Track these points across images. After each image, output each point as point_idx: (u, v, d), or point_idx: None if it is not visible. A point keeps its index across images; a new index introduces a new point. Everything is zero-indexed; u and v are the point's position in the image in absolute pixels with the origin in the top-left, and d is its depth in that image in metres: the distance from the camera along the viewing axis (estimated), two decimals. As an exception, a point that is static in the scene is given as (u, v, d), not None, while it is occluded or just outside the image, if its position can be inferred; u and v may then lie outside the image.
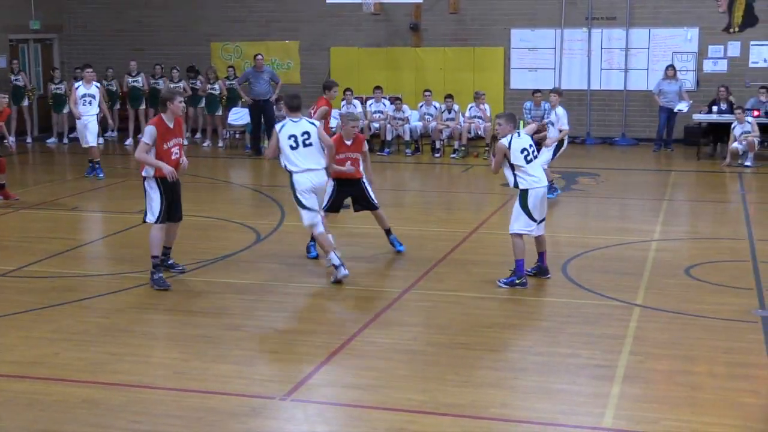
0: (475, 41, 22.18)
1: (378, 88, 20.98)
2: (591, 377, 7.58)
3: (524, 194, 9.94)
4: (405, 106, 20.74)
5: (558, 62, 21.82)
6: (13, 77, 22.18)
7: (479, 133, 20.06)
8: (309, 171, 10.15)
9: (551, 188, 14.74)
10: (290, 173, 10.22)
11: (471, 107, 20.24)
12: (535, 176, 9.91)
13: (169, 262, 10.61)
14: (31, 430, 6.61)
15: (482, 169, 18.55)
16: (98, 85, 17.32)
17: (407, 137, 20.41)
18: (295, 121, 10.25)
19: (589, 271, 10.80)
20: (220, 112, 21.81)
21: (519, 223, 10.00)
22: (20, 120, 22.11)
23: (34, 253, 11.65)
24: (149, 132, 9.80)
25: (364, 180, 11.12)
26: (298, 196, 10.22)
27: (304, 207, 10.24)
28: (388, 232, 11.42)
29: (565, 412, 6.93)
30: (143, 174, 10.01)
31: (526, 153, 9.89)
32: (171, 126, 9.91)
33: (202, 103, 22.02)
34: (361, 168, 11.12)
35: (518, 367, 7.86)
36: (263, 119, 20.38)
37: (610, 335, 8.57)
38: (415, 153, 20.37)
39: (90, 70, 17.21)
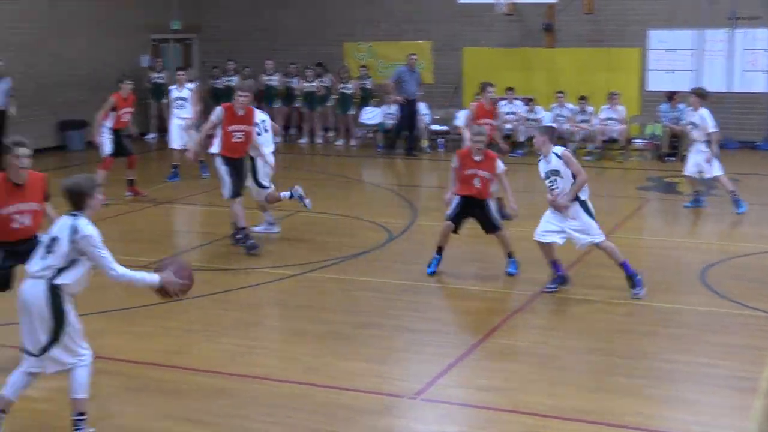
0: (611, 42, 21.78)
1: (510, 89, 20.82)
2: (731, 389, 7.35)
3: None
4: (538, 108, 20.54)
5: (697, 63, 21.23)
6: (156, 75, 22.89)
7: (613, 135, 19.71)
8: None
9: (697, 200, 14.33)
10: None
11: (605, 109, 19.90)
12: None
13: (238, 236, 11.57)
14: (168, 417, 6.80)
15: (617, 171, 18.22)
16: (191, 87, 16.97)
17: (539, 139, 20.17)
18: None
19: (728, 279, 10.47)
20: (352, 111, 22.01)
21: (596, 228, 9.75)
22: (161, 116, 22.77)
23: (171, 247, 12.00)
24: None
25: (489, 201, 10.63)
26: None
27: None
28: (509, 255, 10.73)
29: (701, 423, 6.74)
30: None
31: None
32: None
33: (331, 102, 22.25)
34: (491, 189, 10.67)
35: (653, 375, 7.68)
36: (412, 119, 20.57)
37: (751, 346, 8.29)
38: (548, 155, 20.12)
39: (182, 72, 17.01)
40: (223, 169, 11.61)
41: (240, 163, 11.80)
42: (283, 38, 24.42)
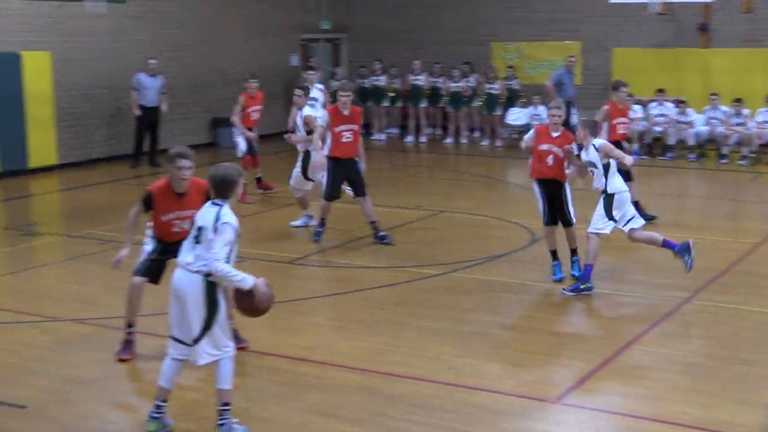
0: (770, 42, 21.02)
1: (661, 90, 20.33)
2: None
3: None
4: (690, 110, 19.98)
5: None
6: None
7: (770, 139, 19.01)
8: None
9: None
10: None
11: (762, 111, 19.20)
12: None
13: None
14: (310, 411, 6.94)
15: (772, 177, 17.59)
16: (320, 87, 16.32)
17: (691, 142, 19.66)
18: None
19: None
20: (499, 112, 21.92)
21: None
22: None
23: (319, 243, 12.20)
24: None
25: (567, 189, 10.38)
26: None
27: None
28: (573, 252, 10.48)
29: None
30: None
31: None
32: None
33: (477, 102, 22.21)
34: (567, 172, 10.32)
35: (808, 390, 7.38)
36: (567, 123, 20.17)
37: None
38: (700, 159, 19.58)
39: (311, 72, 16.21)
40: (329, 171, 11.94)
41: (350, 164, 12.00)
42: (430, 38, 24.52)
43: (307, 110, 12.93)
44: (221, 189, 6.34)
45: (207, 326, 6.30)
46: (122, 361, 7.95)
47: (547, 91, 20.64)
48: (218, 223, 6.21)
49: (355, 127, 11.91)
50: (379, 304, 9.59)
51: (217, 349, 6.38)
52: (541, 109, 21.20)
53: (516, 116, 21.77)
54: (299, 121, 12.93)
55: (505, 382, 7.48)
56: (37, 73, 17.46)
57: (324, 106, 15.29)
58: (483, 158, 20.45)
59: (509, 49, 23.67)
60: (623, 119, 12.86)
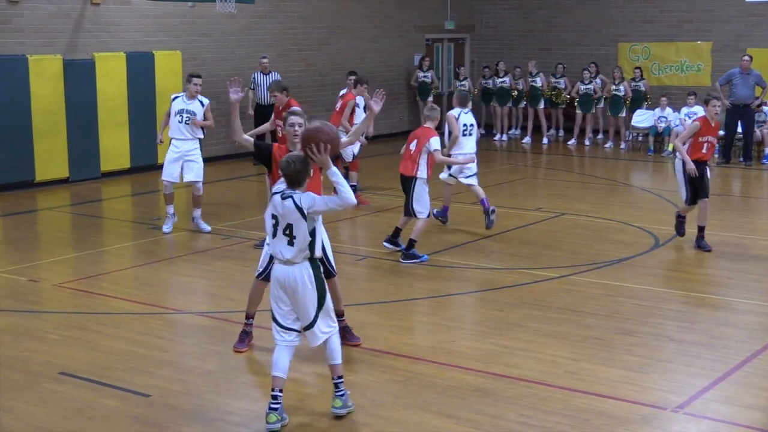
0: None
1: (796, 92, 19.63)
2: None
3: None
4: (828, 113, 19.22)
5: None
6: (422, 74, 23.38)
7: None
8: None
9: None
10: None
11: None
12: None
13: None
14: (425, 410, 6.94)
15: None
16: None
17: (827, 146, 18.91)
18: None
19: None
20: (623, 114, 21.54)
21: None
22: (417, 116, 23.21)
23: (439, 243, 12.21)
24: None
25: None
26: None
27: None
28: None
29: None
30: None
31: None
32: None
33: (602, 104, 21.90)
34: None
35: None
36: (742, 126, 19.04)
37: None
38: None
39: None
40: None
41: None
42: (555, 38, 24.26)
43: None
44: (294, 179, 6.46)
45: (320, 307, 6.55)
46: (238, 352, 8.12)
47: (717, 94, 20.00)
48: (305, 208, 6.37)
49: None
50: (498, 306, 9.53)
51: (329, 327, 6.64)
52: (668, 111, 20.75)
53: (641, 118, 21.35)
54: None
55: (625, 389, 7.33)
56: (169, 71, 17.98)
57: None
58: (605, 160, 20.12)
59: (636, 50, 23.23)
60: (711, 138, 11.71)
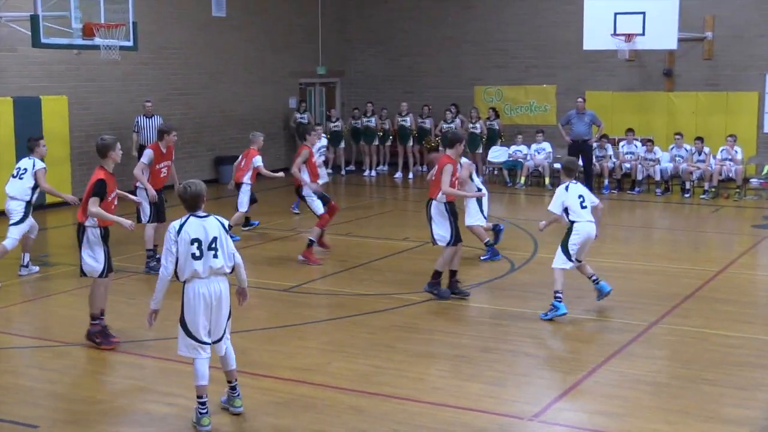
0: (729, 86, 21.17)
1: (630, 130, 20.46)
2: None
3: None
4: (656, 148, 20.09)
5: (815, 107, 20.39)
6: (299, 115, 23.41)
7: (730, 175, 19.09)
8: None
9: None
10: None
11: (722, 150, 19.31)
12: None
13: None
14: (307, 429, 6.90)
15: (732, 210, 17.63)
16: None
17: (657, 177, 19.74)
18: None
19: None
20: (480, 150, 22.00)
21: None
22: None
23: (313, 272, 12.20)
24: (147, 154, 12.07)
25: None
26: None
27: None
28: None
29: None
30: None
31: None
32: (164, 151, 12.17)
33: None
34: None
35: (766, 407, 7.36)
36: (582, 160, 19.25)
37: None
38: (665, 193, 19.66)
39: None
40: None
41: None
42: (418, 82, 24.65)
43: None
44: (197, 202, 6.91)
45: (228, 319, 7.05)
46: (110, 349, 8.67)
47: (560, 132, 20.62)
48: (225, 226, 6.96)
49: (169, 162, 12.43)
50: (370, 329, 9.55)
51: (229, 334, 7.12)
52: (523, 147, 21.31)
53: (496, 154, 21.86)
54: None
55: (486, 402, 7.44)
56: (56, 115, 17.53)
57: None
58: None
59: (490, 92, 23.81)
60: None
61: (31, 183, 11.74)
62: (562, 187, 9.92)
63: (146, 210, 12.14)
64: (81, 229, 8.93)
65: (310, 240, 12.74)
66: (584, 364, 8.35)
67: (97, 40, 15.12)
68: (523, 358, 8.66)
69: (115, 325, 9.63)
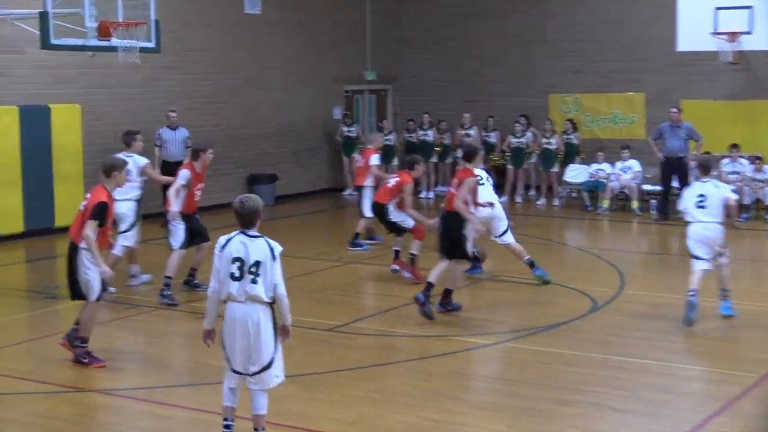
0: None
1: (734, 145, 20.22)
2: None
3: None
4: (766, 167, 19.83)
5: None
6: (346, 128, 23.53)
7: None
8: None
9: None
10: None
11: None
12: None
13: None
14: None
15: None
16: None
17: None
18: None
19: None
20: (556, 169, 21.92)
21: None
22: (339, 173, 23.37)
23: (361, 309, 12.22)
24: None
25: None
26: None
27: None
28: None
29: None
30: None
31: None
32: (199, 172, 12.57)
33: (534, 159, 22.27)
34: None
35: None
36: (676, 180, 19.34)
37: None
38: (777, 219, 19.40)
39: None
40: None
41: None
42: (482, 89, 24.67)
43: None
44: (254, 219, 7.24)
45: (276, 350, 7.23)
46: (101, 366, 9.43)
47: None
48: (274, 252, 7.15)
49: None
50: (426, 376, 9.53)
51: (281, 372, 7.36)
52: (605, 166, 21.16)
53: (574, 173, 21.75)
54: None
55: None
56: (67, 126, 17.86)
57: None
58: (539, 218, 20.39)
59: (567, 101, 23.74)
60: None
61: (138, 181, 13.28)
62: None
63: (179, 235, 12.59)
64: (74, 251, 9.56)
65: (412, 254, 13.73)
66: (682, 422, 8.23)
67: (114, 41, 15.33)
68: (609, 413, 8.57)
69: (130, 367, 9.74)
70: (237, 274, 7.15)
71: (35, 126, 17.40)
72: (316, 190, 23.53)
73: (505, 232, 13.46)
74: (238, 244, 7.20)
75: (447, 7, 25.19)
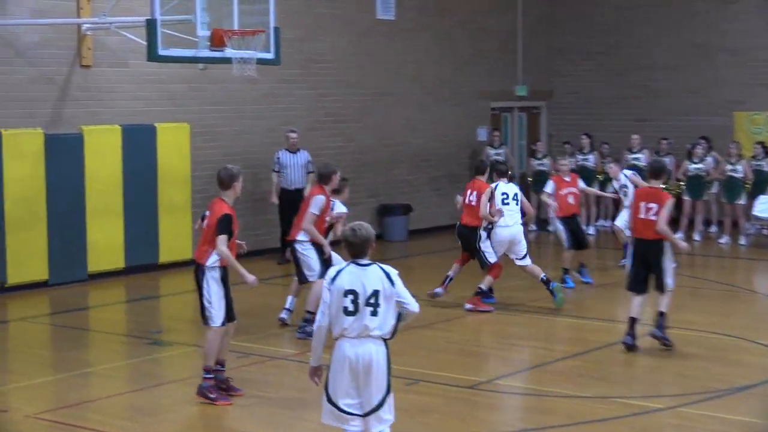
0: None
1: None
2: None
3: None
4: None
5: None
6: (493, 151, 23.46)
7: None
8: None
9: None
10: None
11: None
12: None
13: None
14: None
15: None
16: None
17: None
18: None
19: None
20: (743, 201, 21.40)
21: None
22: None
23: (509, 363, 12.08)
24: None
25: None
26: None
27: None
28: None
29: None
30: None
31: None
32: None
33: (715, 188, 21.81)
34: None
35: None
36: None
37: None
38: None
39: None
40: None
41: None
42: (652, 106, 24.33)
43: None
44: (366, 249, 7.53)
45: (388, 391, 7.51)
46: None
47: None
48: (391, 277, 7.45)
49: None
50: (586, 446, 9.37)
51: (391, 414, 7.59)
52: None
53: (765, 206, 21.18)
54: None
55: None
56: (175, 148, 18.24)
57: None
58: (722, 259, 19.93)
59: (758, 120, 23.22)
60: None
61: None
62: None
63: (314, 266, 13.10)
64: (200, 271, 10.46)
65: (480, 288, 14.84)
66: None
67: (229, 52, 15.50)
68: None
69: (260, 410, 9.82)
70: (351, 308, 7.42)
71: (139, 148, 17.80)
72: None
73: (525, 255, 15.01)
74: (350, 276, 7.46)
75: (612, 9, 24.96)
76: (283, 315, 13.85)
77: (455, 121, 23.78)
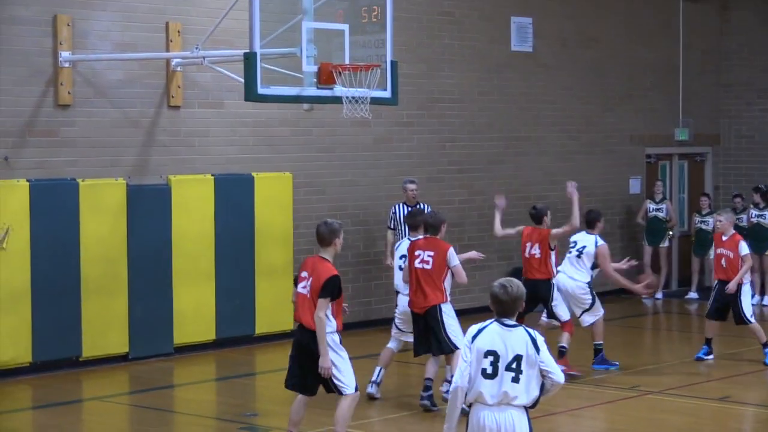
0: None
1: None
2: None
3: None
4: None
5: None
6: (653, 206, 23.26)
7: None
8: None
9: None
10: None
11: None
12: None
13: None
14: None
15: None
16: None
17: None
18: None
19: None
20: None
21: None
22: (655, 265, 23.01)
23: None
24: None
25: None
26: None
27: None
28: None
29: None
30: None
31: None
32: None
33: None
34: None
35: None
36: None
37: None
38: None
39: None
40: None
41: None
42: None
43: None
44: (515, 308, 7.89)
45: None
46: None
47: None
48: (537, 343, 7.76)
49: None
50: None
51: None
52: None
53: None
54: None
55: None
56: (275, 200, 18.44)
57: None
58: None
59: None
60: None
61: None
62: None
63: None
64: (312, 338, 10.78)
65: (562, 347, 15.72)
66: None
67: (339, 90, 15.37)
68: None
69: None
70: (489, 370, 7.68)
71: (234, 200, 17.99)
72: (608, 291, 23.29)
73: (588, 309, 16.21)
74: (492, 335, 7.75)
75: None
76: (371, 390, 14.07)
77: (603, 171, 23.65)
